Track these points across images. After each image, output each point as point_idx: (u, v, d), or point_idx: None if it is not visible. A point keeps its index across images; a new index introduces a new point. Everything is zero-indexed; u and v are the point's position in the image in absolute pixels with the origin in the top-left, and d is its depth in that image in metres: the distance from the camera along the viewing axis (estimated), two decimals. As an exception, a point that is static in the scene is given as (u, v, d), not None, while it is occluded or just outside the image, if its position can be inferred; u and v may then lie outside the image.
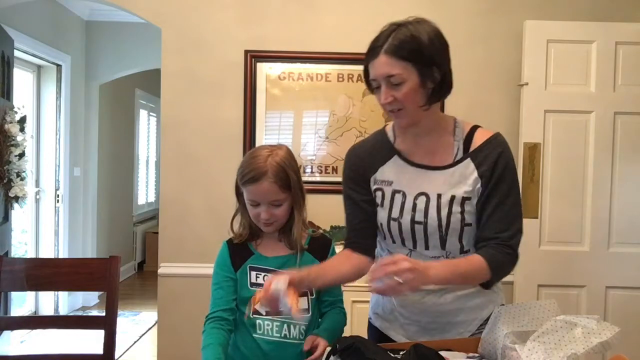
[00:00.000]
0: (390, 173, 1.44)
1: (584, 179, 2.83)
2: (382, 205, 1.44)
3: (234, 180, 1.50)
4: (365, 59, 1.37)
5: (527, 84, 2.83)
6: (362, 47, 3.15)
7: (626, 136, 2.83)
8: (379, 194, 1.45)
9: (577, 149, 2.83)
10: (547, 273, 2.84)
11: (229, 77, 2.96)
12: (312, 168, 3.00)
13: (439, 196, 1.37)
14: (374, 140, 1.52)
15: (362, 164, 1.49)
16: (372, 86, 1.38)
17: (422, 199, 1.39)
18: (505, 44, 2.93)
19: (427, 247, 1.41)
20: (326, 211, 2.86)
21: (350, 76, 2.99)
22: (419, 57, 1.30)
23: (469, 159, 1.38)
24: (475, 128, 1.43)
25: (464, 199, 1.37)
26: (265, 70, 2.97)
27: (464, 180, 1.38)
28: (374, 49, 1.34)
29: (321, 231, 1.56)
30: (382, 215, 1.45)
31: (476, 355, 1.32)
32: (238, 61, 2.95)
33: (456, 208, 1.36)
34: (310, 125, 3.00)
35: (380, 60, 1.32)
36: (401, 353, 1.26)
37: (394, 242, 1.45)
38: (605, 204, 2.83)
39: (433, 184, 1.39)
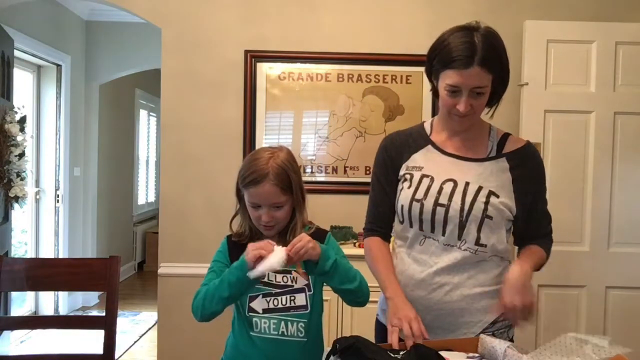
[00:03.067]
0: (422, 160, 1.51)
1: (584, 179, 2.83)
2: (407, 187, 1.49)
3: (234, 180, 1.50)
4: (447, 64, 1.38)
5: (527, 84, 2.83)
6: (362, 47, 3.18)
7: (626, 136, 2.83)
8: (407, 177, 1.51)
9: (577, 149, 2.83)
10: (547, 273, 2.79)
11: (229, 77, 2.96)
12: (312, 168, 3.00)
13: (467, 184, 1.44)
14: (411, 130, 1.59)
15: (397, 150, 1.56)
16: (448, 90, 1.40)
17: (450, 184, 1.45)
18: (505, 44, 2.92)
19: (443, 233, 1.45)
20: (326, 211, 2.87)
21: (350, 76, 2.99)
22: (501, 71, 1.41)
23: (504, 158, 1.47)
24: (508, 134, 1.54)
25: (491, 193, 1.43)
26: (265, 70, 2.97)
27: (495, 176, 1.45)
28: (466, 58, 1.35)
29: (315, 226, 1.54)
30: (404, 196, 1.49)
31: (476, 355, 1.32)
32: (238, 61, 2.95)
33: (481, 198, 1.42)
34: (310, 125, 3.01)
35: (473, 72, 1.35)
36: (401, 353, 1.26)
37: (411, 226, 1.49)
38: (605, 204, 2.83)
39: (463, 173, 1.46)
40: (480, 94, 1.39)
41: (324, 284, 1.48)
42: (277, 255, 1.31)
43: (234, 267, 1.37)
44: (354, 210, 2.90)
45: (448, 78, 1.39)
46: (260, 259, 1.31)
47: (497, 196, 1.43)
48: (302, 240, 1.34)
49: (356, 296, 1.45)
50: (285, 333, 1.43)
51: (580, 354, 1.18)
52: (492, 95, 1.44)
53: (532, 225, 1.53)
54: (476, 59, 1.35)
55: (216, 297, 1.39)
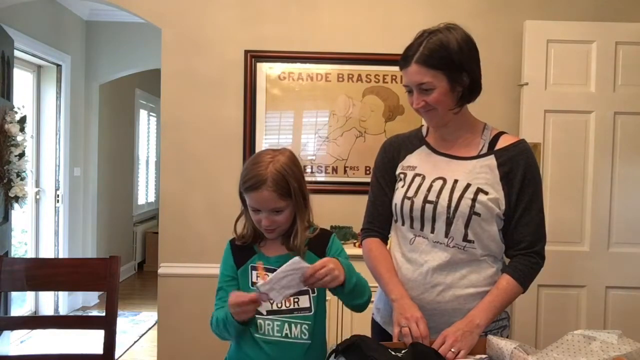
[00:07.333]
0: (416, 160, 1.56)
1: (584, 179, 2.83)
2: (402, 186, 1.54)
3: (234, 180, 1.50)
4: (399, 65, 1.48)
5: (527, 84, 2.83)
6: (362, 47, 3.18)
7: (626, 136, 2.83)
8: (402, 176, 1.56)
9: (577, 149, 2.83)
10: (547, 273, 2.77)
11: (229, 77, 2.96)
12: (312, 168, 3.00)
13: (456, 181, 1.47)
14: (410, 133, 1.65)
15: (394, 152, 1.61)
16: (406, 91, 1.50)
17: (439, 182, 1.48)
18: (505, 44, 2.93)
19: (432, 230, 1.47)
20: (326, 211, 2.86)
21: (350, 76, 2.99)
22: (448, 64, 1.41)
23: (492, 156, 1.48)
24: (502, 133, 1.54)
25: (479, 190, 1.44)
26: (265, 70, 2.97)
27: (484, 174, 1.46)
28: (406, 57, 1.45)
29: (319, 228, 1.55)
30: (398, 194, 1.54)
31: (484, 356, 1.32)
32: (238, 61, 2.95)
33: (469, 195, 1.44)
34: (310, 125, 3.01)
35: (411, 69, 1.43)
36: (402, 351, 1.26)
37: (403, 223, 1.53)
38: (605, 204, 2.83)
39: (453, 171, 1.48)
40: (429, 90, 1.42)
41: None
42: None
43: (227, 321, 1.39)
44: (354, 210, 2.89)
45: (403, 79, 1.49)
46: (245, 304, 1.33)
47: (486, 193, 1.44)
48: (327, 266, 1.31)
49: (361, 307, 1.47)
50: (289, 335, 1.43)
51: (587, 353, 1.17)
52: (464, 92, 1.45)
53: (512, 227, 1.48)
54: (414, 57, 1.42)
55: (221, 331, 1.45)
